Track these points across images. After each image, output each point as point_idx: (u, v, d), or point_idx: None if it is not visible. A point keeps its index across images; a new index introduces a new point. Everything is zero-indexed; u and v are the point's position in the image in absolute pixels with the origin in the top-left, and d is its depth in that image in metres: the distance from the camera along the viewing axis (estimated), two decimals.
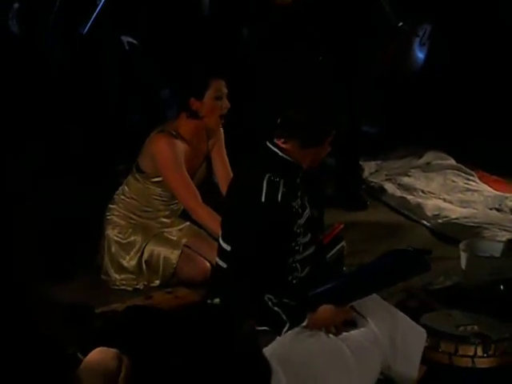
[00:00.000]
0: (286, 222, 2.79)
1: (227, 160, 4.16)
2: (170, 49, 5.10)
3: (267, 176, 2.76)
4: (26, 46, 4.63)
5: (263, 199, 2.73)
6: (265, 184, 2.75)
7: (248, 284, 2.76)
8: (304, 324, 2.76)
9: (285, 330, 2.75)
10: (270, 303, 2.75)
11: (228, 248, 2.85)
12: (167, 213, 4.15)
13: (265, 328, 2.78)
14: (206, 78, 3.95)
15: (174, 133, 3.97)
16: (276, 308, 2.75)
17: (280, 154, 2.82)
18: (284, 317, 2.75)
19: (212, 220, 3.88)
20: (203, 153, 4.13)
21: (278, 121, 2.86)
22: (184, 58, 4.91)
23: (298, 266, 2.90)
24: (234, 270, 2.81)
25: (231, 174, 4.07)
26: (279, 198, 2.74)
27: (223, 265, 2.89)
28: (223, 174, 4.12)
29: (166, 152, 3.93)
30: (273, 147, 2.84)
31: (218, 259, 2.94)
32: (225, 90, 3.98)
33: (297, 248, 2.87)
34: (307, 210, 2.93)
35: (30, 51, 4.65)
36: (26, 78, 4.53)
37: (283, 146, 2.82)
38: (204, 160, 4.15)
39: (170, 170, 3.95)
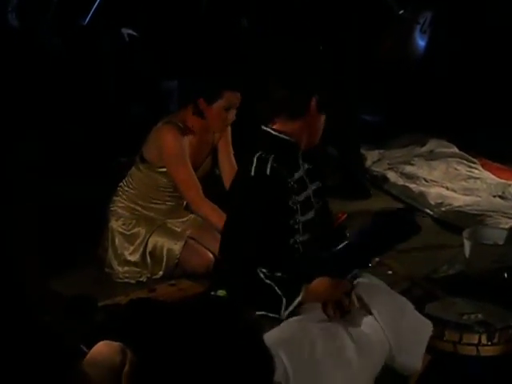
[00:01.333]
0: (278, 195, 2.78)
1: (232, 154, 4.16)
2: (179, 42, 5.08)
3: (258, 153, 2.79)
4: (25, 39, 4.62)
5: (252, 173, 2.76)
6: (255, 160, 2.78)
7: (240, 258, 2.73)
8: (300, 298, 2.71)
9: (283, 308, 2.70)
10: (262, 276, 2.71)
11: None
12: (172, 204, 4.15)
13: (263, 312, 2.74)
14: (219, 88, 3.94)
15: (181, 125, 3.97)
16: (268, 281, 2.70)
17: (273, 133, 2.84)
18: (278, 291, 2.70)
19: (213, 214, 3.90)
20: (209, 145, 4.13)
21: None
22: (200, 57, 4.89)
23: (301, 247, 2.87)
24: (226, 245, 2.80)
25: (236, 168, 4.09)
26: (268, 171, 2.75)
27: None
28: (228, 168, 4.13)
29: (172, 145, 3.93)
30: (266, 128, 2.86)
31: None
32: (236, 102, 3.96)
33: (296, 227, 2.85)
34: (308, 191, 2.90)
35: (29, 44, 4.64)
36: (26, 71, 4.52)
37: (275, 126, 2.83)
38: (210, 152, 4.15)
39: (175, 163, 3.95)
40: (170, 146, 3.94)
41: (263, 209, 2.74)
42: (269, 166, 2.76)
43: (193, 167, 4.05)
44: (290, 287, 2.72)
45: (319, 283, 2.73)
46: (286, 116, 2.82)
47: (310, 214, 2.89)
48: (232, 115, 3.98)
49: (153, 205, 4.13)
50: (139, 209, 4.13)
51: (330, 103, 2.88)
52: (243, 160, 2.88)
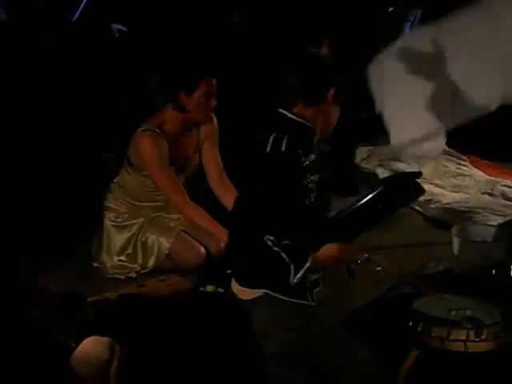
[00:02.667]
0: (293, 172, 2.82)
1: (219, 157, 4.16)
2: (162, 38, 5.08)
3: (277, 133, 2.83)
4: (14, 33, 4.60)
5: (268, 150, 2.81)
6: (271, 139, 2.83)
7: (249, 228, 2.76)
8: (308, 264, 2.73)
9: (292, 275, 2.71)
10: (269, 243, 2.71)
11: None
12: (160, 203, 4.16)
13: (267, 291, 2.77)
14: (198, 76, 3.94)
15: (157, 130, 3.97)
16: (276, 248, 2.71)
17: (289, 115, 2.88)
18: (286, 258, 2.71)
19: (199, 217, 3.94)
20: (194, 143, 4.13)
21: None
22: (177, 50, 4.90)
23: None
24: (237, 219, 2.83)
25: (222, 173, 4.11)
26: (283, 148, 2.80)
27: None
28: (213, 171, 4.14)
29: (149, 153, 3.95)
30: (283, 111, 2.90)
31: None
32: (214, 90, 3.98)
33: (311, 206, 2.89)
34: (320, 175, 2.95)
35: (18, 39, 4.62)
36: (14, 66, 4.51)
37: (294, 109, 2.88)
38: (196, 149, 4.15)
39: (155, 169, 3.97)
40: (147, 154, 3.95)
41: (277, 183, 2.77)
42: (284, 143, 2.81)
43: (180, 166, 4.06)
44: (298, 254, 2.73)
45: (327, 249, 2.78)
46: (303, 103, 2.87)
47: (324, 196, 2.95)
48: (213, 102, 3.99)
49: (143, 203, 4.14)
50: (132, 201, 4.15)
51: (347, 95, 2.94)
52: (255, 140, 2.91)
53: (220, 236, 3.89)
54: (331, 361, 2.74)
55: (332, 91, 2.90)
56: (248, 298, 2.83)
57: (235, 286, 2.89)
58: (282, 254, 2.71)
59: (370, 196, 2.84)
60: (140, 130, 4.00)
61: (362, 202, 2.85)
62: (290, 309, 2.81)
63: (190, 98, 3.95)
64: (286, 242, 2.74)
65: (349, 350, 2.78)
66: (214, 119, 4.16)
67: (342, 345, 2.79)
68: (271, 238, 2.72)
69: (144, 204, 4.15)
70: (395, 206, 2.95)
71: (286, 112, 2.89)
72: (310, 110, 2.88)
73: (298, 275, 2.72)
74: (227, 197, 4.05)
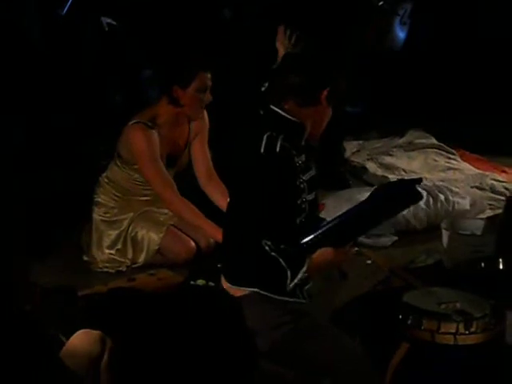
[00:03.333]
0: (287, 174, 2.82)
1: (208, 155, 4.16)
2: (155, 32, 5.07)
3: (268, 133, 2.81)
4: (6, 26, 4.58)
5: (262, 150, 2.79)
6: (265, 138, 2.80)
7: (246, 231, 2.77)
8: (304, 269, 2.75)
9: (288, 281, 2.73)
10: (267, 248, 2.73)
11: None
12: (149, 198, 4.15)
13: (266, 292, 2.78)
14: (193, 70, 3.93)
15: (149, 124, 3.95)
16: (274, 254, 2.72)
17: (282, 113, 2.86)
18: (283, 263, 2.72)
19: (186, 210, 3.93)
20: (184, 139, 4.12)
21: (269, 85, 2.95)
22: (173, 44, 4.89)
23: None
24: (233, 221, 2.83)
25: (211, 170, 4.10)
26: (278, 149, 2.79)
27: None
28: (202, 168, 4.13)
29: (140, 145, 3.93)
30: (275, 108, 2.88)
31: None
32: (209, 83, 3.96)
33: (303, 206, 2.88)
34: (312, 171, 2.95)
35: (8, 32, 4.60)
36: (5, 59, 4.49)
37: (286, 106, 2.86)
38: (186, 146, 4.14)
39: (146, 163, 3.95)
40: (138, 146, 3.93)
41: (272, 185, 2.78)
42: (278, 144, 2.80)
43: (170, 161, 4.05)
44: (295, 259, 2.75)
45: (322, 253, 2.79)
46: (295, 102, 2.86)
47: (313, 195, 2.94)
48: (208, 96, 3.98)
49: (132, 197, 4.13)
50: (121, 196, 4.13)
51: (341, 97, 2.93)
52: (248, 138, 2.90)
53: (208, 231, 3.89)
54: (321, 355, 2.75)
55: (325, 92, 2.88)
56: (236, 295, 2.83)
57: (224, 283, 2.89)
58: (280, 260, 2.73)
59: (369, 201, 2.84)
60: (131, 122, 3.99)
61: (359, 206, 2.86)
62: (278, 305, 2.81)
63: (184, 92, 3.94)
64: (282, 246, 2.75)
65: (338, 344, 2.78)
66: (205, 115, 4.15)
67: (332, 339, 2.79)
68: (268, 242, 2.73)
69: (133, 198, 4.14)
70: (393, 211, 2.95)
71: (277, 109, 2.88)
72: (301, 109, 2.87)
73: (295, 280, 2.75)
74: (216, 194, 4.05)
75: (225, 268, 2.90)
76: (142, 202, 4.15)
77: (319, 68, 2.91)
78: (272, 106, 2.88)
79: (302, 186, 2.87)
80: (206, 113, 4.15)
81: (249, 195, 2.81)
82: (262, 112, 2.93)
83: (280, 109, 2.86)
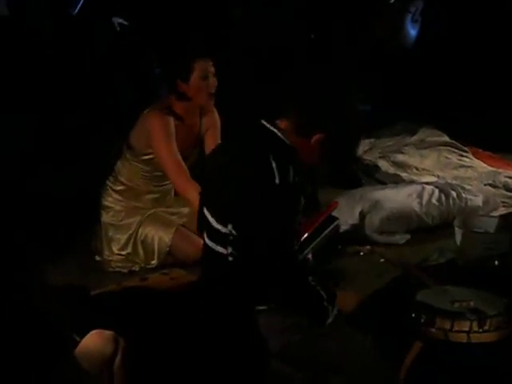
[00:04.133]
0: (297, 201, 2.79)
1: None
2: (159, 30, 5.08)
3: (273, 157, 2.72)
4: (15, 27, 4.60)
5: (277, 181, 2.69)
6: (274, 166, 2.70)
7: (289, 268, 2.74)
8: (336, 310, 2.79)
9: (329, 319, 2.77)
10: (313, 283, 2.75)
11: (224, 230, 2.77)
12: (157, 195, 4.16)
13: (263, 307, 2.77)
14: (189, 61, 3.93)
15: (166, 110, 3.97)
16: (320, 291, 2.76)
17: (279, 134, 2.79)
18: (325, 301, 2.76)
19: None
20: (196, 134, 4.12)
21: (276, 98, 2.87)
22: (170, 39, 4.89)
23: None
24: (262, 256, 2.73)
25: None
26: (291, 180, 2.73)
27: (222, 250, 2.80)
28: None
29: (159, 128, 3.94)
30: (270, 126, 2.81)
31: (211, 243, 2.85)
32: (211, 69, 3.95)
33: (298, 228, 2.88)
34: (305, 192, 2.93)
35: (19, 33, 4.62)
36: (16, 59, 4.51)
37: (281, 125, 2.80)
38: (196, 143, 4.14)
39: (162, 146, 3.95)
40: (157, 129, 3.94)
41: (289, 213, 2.76)
42: (291, 175, 2.72)
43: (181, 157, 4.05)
44: (332, 297, 2.80)
45: (343, 298, 2.87)
46: (294, 126, 2.79)
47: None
48: (213, 82, 3.96)
49: (139, 197, 4.13)
50: (127, 201, 4.13)
51: (336, 144, 2.88)
52: (250, 158, 2.78)
53: None
54: (332, 354, 2.75)
55: (319, 136, 2.78)
56: None
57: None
58: (324, 297, 2.76)
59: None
60: (148, 109, 4.00)
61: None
62: (281, 313, 2.80)
63: (187, 84, 3.94)
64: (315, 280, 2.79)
65: (350, 343, 2.79)
66: (215, 111, 4.15)
67: (343, 337, 2.79)
68: (311, 277, 2.76)
69: (140, 198, 4.13)
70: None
71: (273, 128, 2.79)
72: (293, 134, 2.79)
73: (330, 320, 2.78)
74: None
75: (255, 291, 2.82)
76: (149, 201, 4.14)
77: (324, 111, 2.80)
78: (265, 123, 2.81)
79: (300, 207, 2.84)
80: (216, 112, 4.14)
81: (274, 225, 2.73)
82: (256, 126, 2.84)
83: (274, 127, 2.79)
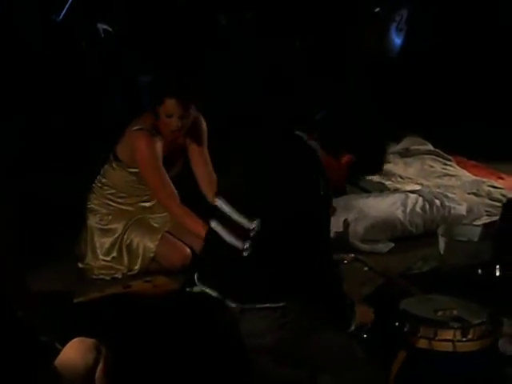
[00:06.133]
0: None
1: (208, 159, 4.14)
2: (145, 36, 5.08)
3: (317, 169, 2.80)
4: (3, 30, 4.58)
5: (322, 192, 2.77)
6: (320, 178, 2.78)
7: (331, 277, 2.83)
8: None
9: (351, 328, 2.86)
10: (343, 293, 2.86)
11: (248, 225, 2.77)
12: (145, 198, 4.15)
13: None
14: (159, 95, 3.90)
15: (153, 131, 3.95)
16: (346, 299, 2.86)
17: (316, 148, 2.85)
18: (349, 312, 2.86)
19: (188, 219, 3.93)
20: (180, 146, 4.11)
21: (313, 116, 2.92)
22: (162, 54, 4.88)
23: None
24: (302, 259, 2.78)
25: (213, 173, 4.09)
26: (329, 191, 2.83)
27: (236, 243, 2.80)
28: (202, 171, 4.12)
29: (145, 152, 3.94)
30: (308, 140, 2.86)
31: (230, 238, 2.84)
32: (176, 111, 3.89)
33: None
34: None
35: (6, 38, 4.60)
36: (3, 62, 4.49)
37: (310, 140, 2.85)
38: (181, 154, 4.13)
39: (149, 170, 3.96)
40: (143, 153, 3.94)
41: (329, 221, 2.88)
42: (322, 186, 2.79)
43: (166, 166, 4.04)
44: (352, 305, 2.89)
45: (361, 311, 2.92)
46: (320, 146, 2.85)
47: None
48: (175, 122, 3.90)
49: (126, 200, 4.13)
50: (114, 204, 4.12)
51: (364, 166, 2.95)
52: (297, 168, 2.82)
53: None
54: (320, 353, 2.79)
55: (349, 158, 2.87)
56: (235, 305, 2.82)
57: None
58: (348, 311, 2.86)
59: None
60: (134, 128, 3.98)
61: None
62: (277, 309, 2.82)
63: (157, 110, 3.93)
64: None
65: (338, 343, 2.83)
66: (202, 120, 4.13)
67: (332, 337, 2.83)
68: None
69: (127, 201, 4.12)
70: None
71: (312, 143, 2.84)
72: (322, 151, 2.86)
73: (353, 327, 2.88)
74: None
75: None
76: (135, 205, 4.13)
77: (354, 135, 2.89)
78: (301, 134, 2.86)
79: None
80: (203, 120, 4.13)
81: (319, 234, 2.81)
82: (288, 135, 2.89)
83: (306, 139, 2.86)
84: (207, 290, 2.85)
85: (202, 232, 3.85)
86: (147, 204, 4.17)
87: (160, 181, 3.96)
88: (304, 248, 2.77)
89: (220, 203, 2.89)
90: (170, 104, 3.89)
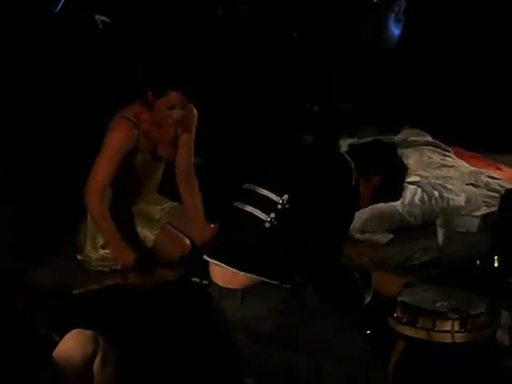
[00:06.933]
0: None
1: (192, 152, 4.11)
2: (143, 27, 5.06)
3: (351, 171, 2.97)
4: (2, 32, 4.58)
5: (353, 183, 2.96)
6: (353, 168, 2.97)
7: (335, 254, 2.94)
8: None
9: (366, 301, 2.96)
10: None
11: (276, 198, 2.90)
12: (141, 190, 4.14)
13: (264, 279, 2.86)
14: (163, 87, 3.87)
15: (133, 119, 3.90)
16: (354, 273, 2.95)
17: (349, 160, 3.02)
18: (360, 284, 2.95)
19: (103, 223, 3.88)
20: (170, 136, 4.06)
21: None
22: (161, 46, 4.87)
23: None
24: (317, 237, 2.89)
25: (190, 169, 4.10)
26: (358, 190, 3.02)
27: (260, 215, 2.91)
28: (182, 166, 4.10)
29: (114, 137, 3.88)
30: (346, 155, 3.04)
31: (254, 209, 2.94)
32: (179, 103, 3.86)
33: None
34: None
35: (6, 38, 4.60)
36: (3, 64, 4.49)
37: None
38: (173, 142, 4.09)
39: (103, 157, 3.88)
40: (111, 140, 3.88)
41: (352, 211, 3.04)
42: (354, 179, 2.99)
43: (155, 155, 4.01)
44: (366, 277, 3.00)
45: (381, 280, 3.05)
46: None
47: None
48: (176, 115, 3.87)
49: (124, 190, 4.11)
50: (112, 194, 4.11)
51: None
52: (337, 164, 3.00)
53: (112, 250, 3.87)
54: (322, 337, 2.84)
55: (377, 180, 3.03)
56: (239, 286, 2.87)
57: (224, 274, 2.89)
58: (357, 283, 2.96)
59: None
60: (118, 115, 3.95)
61: None
62: (280, 293, 2.87)
63: (155, 101, 3.88)
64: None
65: (339, 329, 2.89)
66: (195, 112, 4.09)
67: (333, 323, 2.89)
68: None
69: (124, 192, 4.11)
70: None
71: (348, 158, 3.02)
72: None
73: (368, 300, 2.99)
74: (185, 192, 4.07)
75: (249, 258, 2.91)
76: (133, 195, 4.12)
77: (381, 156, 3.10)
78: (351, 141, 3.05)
79: None
80: (195, 109, 4.10)
81: (342, 220, 2.97)
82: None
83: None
84: (215, 262, 2.92)
85: (113, 241, 3.84)
86: (145, 197, 4.16)
87: (101, 173, 3.88)
88: (323, 233, 2.89)
89: (248, 185, 3.02)
90: (174, 96, 3.86)
